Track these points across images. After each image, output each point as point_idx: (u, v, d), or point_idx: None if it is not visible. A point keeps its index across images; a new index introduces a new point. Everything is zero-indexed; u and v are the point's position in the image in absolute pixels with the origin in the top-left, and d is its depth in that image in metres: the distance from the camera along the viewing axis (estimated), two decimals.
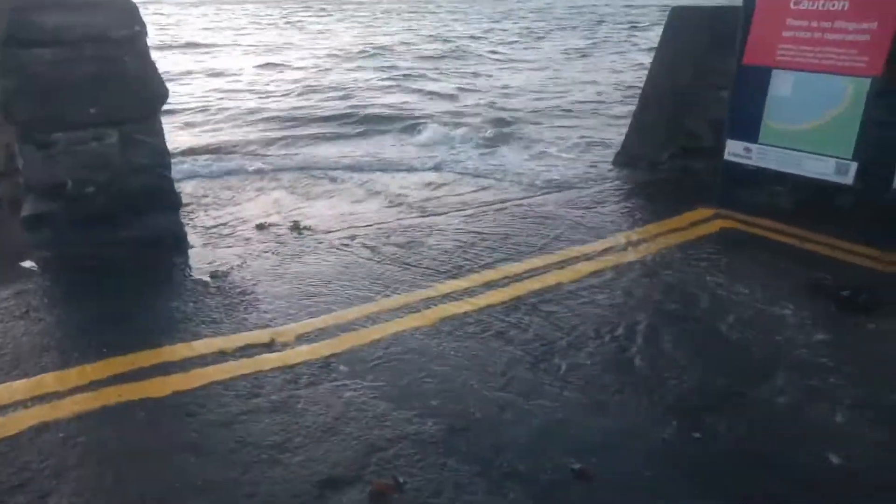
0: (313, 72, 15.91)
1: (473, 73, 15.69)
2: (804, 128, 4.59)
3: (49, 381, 2.69)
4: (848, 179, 4.40)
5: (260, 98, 12.15)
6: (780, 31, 4.58)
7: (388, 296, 3.63)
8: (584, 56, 18.98)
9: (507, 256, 4.18)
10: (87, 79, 3.53)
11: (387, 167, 7.15)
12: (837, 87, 4.37)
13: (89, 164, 3.63)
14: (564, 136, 8.90)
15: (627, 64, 16.35)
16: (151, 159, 3.75)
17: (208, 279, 3.76)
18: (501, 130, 9.17)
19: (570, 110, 10.92)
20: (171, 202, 3.94)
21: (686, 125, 5.89)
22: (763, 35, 4.68)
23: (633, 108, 9.85)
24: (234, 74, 15.63)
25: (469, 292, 3.69)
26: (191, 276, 3.80)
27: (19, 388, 2.64)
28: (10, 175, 4.56)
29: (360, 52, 19.61)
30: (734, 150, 4.98)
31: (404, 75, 15.07)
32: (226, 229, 4.73)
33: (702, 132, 5.82)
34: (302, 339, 3.16)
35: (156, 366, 2.83)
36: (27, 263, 3.69)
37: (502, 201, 5.45)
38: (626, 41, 22.18)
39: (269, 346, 3.07)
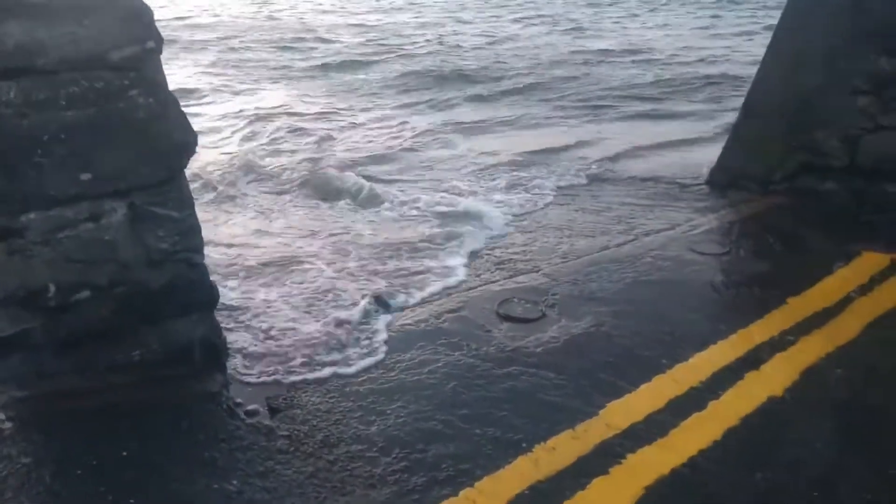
0: None
1: None
2: None
3: None
4: None
5: None
6: None
7: (542, 439, 2.45)
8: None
9: (668, 350, 3.03)
10: (74, 127, 2.21)
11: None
12: None
13: (82, 256, 2.33)
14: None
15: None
16: (176, 241, 2.46)
17: (266, 419, 2.52)
18: None
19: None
20: (203, 299, 2.65)
21: (810, 138, 4.79)
22: None
23: (715, 106, 8.39)
24: None
25: (657, 425, 2.53)
26: (242, 413, 2.54)
27: None
28: None
29: None
30: None
31: None
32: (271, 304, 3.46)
33: (832, 149, 4.73)
34: None
35: None
36: None
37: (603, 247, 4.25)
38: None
39: None
